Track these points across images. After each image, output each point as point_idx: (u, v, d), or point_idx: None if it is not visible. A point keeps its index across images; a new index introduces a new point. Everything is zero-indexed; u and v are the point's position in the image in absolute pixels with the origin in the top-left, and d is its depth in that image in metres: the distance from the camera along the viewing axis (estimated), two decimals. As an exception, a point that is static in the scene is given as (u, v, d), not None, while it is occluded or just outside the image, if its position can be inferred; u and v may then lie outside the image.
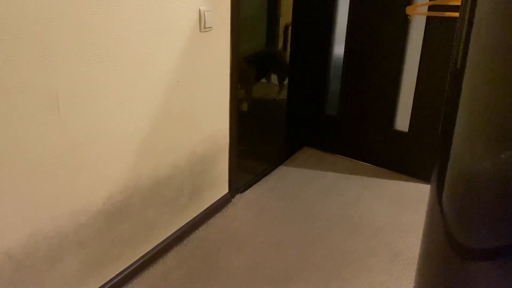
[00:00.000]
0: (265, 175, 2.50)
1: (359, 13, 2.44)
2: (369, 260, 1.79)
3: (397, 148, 2.53)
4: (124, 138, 1.47)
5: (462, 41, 0.72)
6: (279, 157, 2.71)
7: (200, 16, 1.67)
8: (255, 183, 2.39)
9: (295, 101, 2.91)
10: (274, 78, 3.83)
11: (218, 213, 2.09)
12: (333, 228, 2.01)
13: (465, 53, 0.71)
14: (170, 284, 1.63)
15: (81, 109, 1.29)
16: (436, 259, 0.82)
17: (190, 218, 1.93)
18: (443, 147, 0.79)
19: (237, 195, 2.26)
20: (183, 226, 1.88)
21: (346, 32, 2.52)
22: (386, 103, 2.49)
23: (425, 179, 2.48)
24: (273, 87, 3.88)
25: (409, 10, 2.25)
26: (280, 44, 4.24)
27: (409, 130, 2.46)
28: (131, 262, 1.64)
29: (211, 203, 2.06)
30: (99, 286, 1.52)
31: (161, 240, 1.77)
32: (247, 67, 3.34)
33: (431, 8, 2.19)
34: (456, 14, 2.05)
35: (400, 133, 2.50)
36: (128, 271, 1.61)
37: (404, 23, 2.31)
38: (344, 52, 2.56)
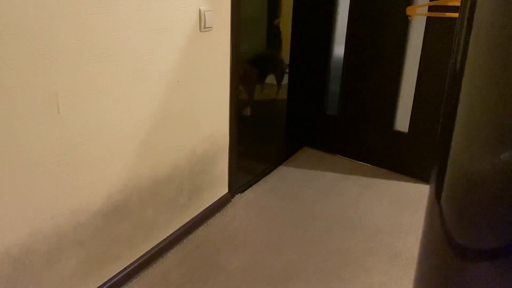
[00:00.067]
0: (265, 175, 2.50)
1: (359, 14, 2.44)
2: (369, 260, 1.79)
3: (397, 149, 2.53)
4: (123, 138, 1.47)
5: (462, 42, 0.72)
6: (279, 157, 2.71)
7: (200, 16, 1.67)
8: (255, 183, 2.39)
9: (295, 101, 2.91)
10: (272, 78, 3.84)
11: (218, 213, 2.09)
12: (333, 228, 2.01)
13: (465, 54, 0.71)
14: (170, 283, 1.63)
15: (81, 108, 1.29)
16: (435, 259, 0.82)
17: (190, 218, 1.93)
18: (442, 148, 0.79)
19: (237, 195, 2.26)
20: (183, 226, 1.88)
21: (346, 32, 2.52)
22: (386, 104, 2.49)
23: (425, 179, 2.48)
24: (272, 88, 3.88)
25: (409, 10, 2.25)
26: (278, 44, 4.25)
27: (409, 130, 2.46)
28: (131, 261, 1.64)
29: (211, 203, 2.06)
30: (99, 285, 1.52)
31: (160, 240, 1.77)
32: (248, 69, 3.35)
33: (431, 8, 2.19)
34: (456, 15, 2.05)
35: (400, 133, 2.50)
36: (127, 270, 1.61)
37: (404, 23, 2.31)
38: (344, 52, 2.56)
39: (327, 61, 2.68)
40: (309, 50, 2.73)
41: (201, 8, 1.66)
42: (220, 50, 1.84)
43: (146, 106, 1.52)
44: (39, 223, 1.25)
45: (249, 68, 3.40)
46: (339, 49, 2.64)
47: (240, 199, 2.22)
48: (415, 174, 2.50)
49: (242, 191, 2.30)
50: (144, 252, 1.69)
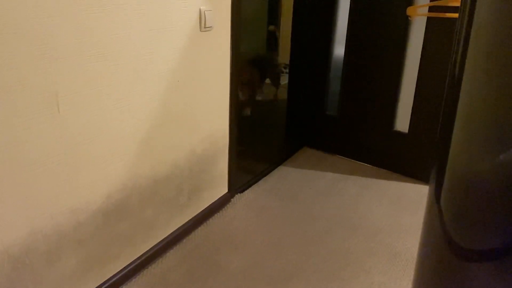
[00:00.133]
0: (265, 175, 2.50)
1: (359, 14, 2.44)
2: (368, 261, 1.79)
3: (397, 149, 2.53)
4: (123, 137, 1.47)
5: (462, 42, 0.72)
6: (279, 157, 2.71)
7: (201, 16, 1.67)
8: (254, 183, 2.39)
9: (295, 101, 2.91)
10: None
11: (218, 213, 2.09)
12: (333, 228, 2.01)
13: (464, 54, 0.71)
14: (169, 283, 1.63)
15: (81, 108, 1.29)
16: (434, 260, 0.82)
17: (190, 218, 1.93)
18: (441, 148, 0.79)
19: (236, 195, 2.26)
20: (182, 225, 1.88)
21: (347, 32, 2.52)
22: (386, 104, 2.49)
23: (424, 180, 2.48)
24: (272, 88, 3.88)
25: (409, 11, 2.25)
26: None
27: (409, 131, 2.46)
28: (130, 261, 1.64)
29: (211, 203, 2.06)
30: (98, 284, 1.52)
31: (160, 239, 1.77)
32: (248, 69, 3.35)
33: (431, 9, 2.19)
34: (457, 15, 2.05)
35: (400, 134, 2.50)
36: (127, 270, 1.61)
37: (405, 24, 2.31)
38: (345, 52, 2.56)
39: (327, 61, 2.68)
40: (310, 50, 2.73)
41: (201, 8, 1.66)
42: (220, 50, 1.84)
43: (146, 106, 1.52)
44: (39, 223, 1.25)
45: (249, 68, 3.40)
46: (339, 49, 2.64)
47: (240, 199, 2.22)
48: (415, 174, 2.50)
49: (242, 191, 2.30)
50: (143, 252, 1.69)
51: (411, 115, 2.43)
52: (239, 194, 2.27)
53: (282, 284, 1.65)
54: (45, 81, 1.16)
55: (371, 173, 2.56)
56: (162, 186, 1.71)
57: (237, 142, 2.15)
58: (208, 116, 1.87)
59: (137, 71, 1.45)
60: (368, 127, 2.60)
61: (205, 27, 1.70)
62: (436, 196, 0.81)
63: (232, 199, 2.21)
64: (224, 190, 2.15)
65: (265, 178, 2.47)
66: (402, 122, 2.49)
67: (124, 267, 1.61)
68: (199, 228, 1.97)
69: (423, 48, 2.27)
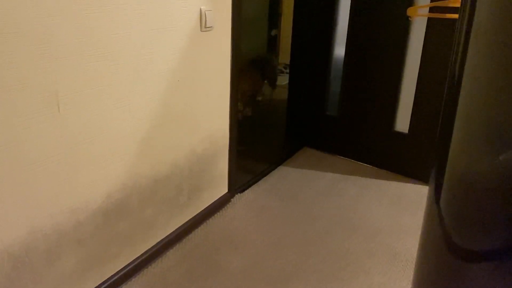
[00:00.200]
0: (265, 175, 2.50)
1: (360, 14, 2.44)
2: (368, 261, 1.79)
3: (397, 150, 2.53)
4: (123, 137, 1.47)
5: (461, 43, 0.72)
6: (279, 157, 2.71)
7: (201, 16, 1.67)
8: (254, 183, 2.39)
9: (295, 101, 2.91)
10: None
11: (217, 213, 2.09)
12: (332, 228, 2.01)
13: (464, 55, 0.71)
14: (169, 283, 1.63)
15: (81, 107, 1.29)
16: (433, 260, 0.82)
17: (189, 218, 1.93)
18: (441, 149, 0.79)
19: (236, 195, 2.26)
20: (182, 225, 1.88)
21: (347, 33, 2.52)
22: (386, 104, 2.49)
23: (424, 180, 2.48)
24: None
25: (410, 11, 2.25)
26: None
27: (409, 131, 2.46)
28: (130, 260, 1.64)
29: (211, 203, 2.06)
30: (98, 284, 1.52)
31: (160, 239, 1.77)
32: (250, 71, 3.35)
33: (432, 9, 2.19)
34: (457, 16, 2.05)
35: (400, 134, 2.50)
36: (126, 269, 1.61)
37: (405, 24, 2.31)
38: (345, 53, 2.56)
39: (327, 62, 2.68)
40: (310, 50, 2.73)
41: (202, 7, 1.66)
42: (220, 50, 1.84)
43: (146, 106, 1.53)
44: (39, 222, 1.26)
45: (249, 68, 3.40)
46: (339, 50, 2.64)
47: (240, 199, 2.22)
48: (415, 175, 2.50)
49: (242, 191, 2.30)
50: (143, 251, 1.70)
51: (411, 116, 2.42)
52: (239, 194, 2.27)
53: (282, 284, 1.65)
54: (45, 81, 1.17)
55: (371, 174, 2.56)
56: (162, 186, 1.71)
57: (237, 142, 2.15)
58: (208, 116, 1.87)
59: (137, 71, 1.45)
60: (368, 128, 2.60)
61: (205, 27, 1.70)
62: (435, 197, 0.81)
63: (232, 199, 2.21)
64: (224, 190, 2.15)
65: (265, 178, 2.47)
66: (402, 122, 2.49)
67: (124, 267, 1.61)
68: (199, 228, 1.97)
69: (423, 48, 2.27)
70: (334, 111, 2.76)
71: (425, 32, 2.24)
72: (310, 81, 2.79)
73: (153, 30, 1.47)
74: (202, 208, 2.00)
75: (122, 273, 1.59)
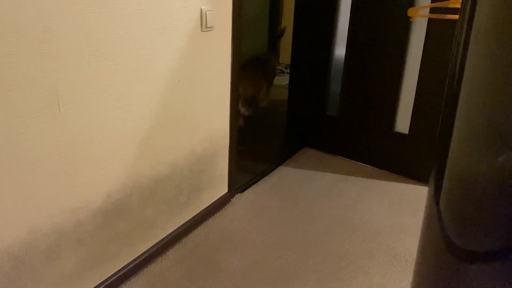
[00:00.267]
0: (265, 175, 2.50)
1: (360, 15, 2.44)
2: (368, 262, 1.79)
3: (397, 150, 2.53)
4: (123, 137, 1.47)
5: (462, 44, 0.72)
6: (279, 158, 2.71)
7: (202, 16, 1.67)
8: (254, 183, 2.39)
9: (295, 101, 2.91)
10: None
11: (217, 213, 2.09)
12: (332, 229, 2.01)
13: (464, 56, 0.71)
14: (169, 283, 1.63)
15: (81, 107, 1.29)
16: (433, 261, 0.82)
17: (189, 218, 1.93)
18: (441, 149, 0.79)
19: (236, 195, 2.26)
20: (182, 225, 1.88)
21: (348, 33, 2.52)
22: (386, 105, 2.49)
23: (424, 181, 2.48)
24: (273, 88, 3.88)
25: (410, 12, 2.25)
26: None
27: (409, 132, 2.46)
28: (130, 260, 1.64)
29: (210, 203, 2.06)
30: (97, 283, 1.52)
31: (159, 239, 1.77)
32: (250, 71, 3.35)
33: (432, 10, 2.19)
34: (457, 17, 2.05)
35: (400, 135, 2.50)
36: (126, 269, 1.61)
37: (406, 25, 2.31)
38: (345, 53, 2.56)
39: (328, 62, 2.68)
40: (310, 51, 2.73)
41: (202, 7, 1.66)
42: (221, 50, 1.84)
43: (146, 105, 1.53)
44: (39, 221, 1.26)
45: (248, 68, 3.40)
46: (340, 50, 2.64)
47: (240, 199, 2.22)
48: (415, 175, 2.50)
49: (242, 191, 2.30)
50: (143, 251, 1.70)
51: (412, 116, 2.42)
52: (239, 194, 2.27)
53: (282, 284, 1.65)
54: (45, 80, 1.17)
55: (371, 174, 2.56)
56: (162, 186, 1.71)
57: (237, 142, 2.15)
58: (208, 116, 1.87)
59: (137, 71, 1.45)
60: (369, 128, 2.60)
61: (206, 27, 1.70)
62: (435, 197, 0.81)
63: (232, 199, 2.21)
64: (224, 190, 2.15)
65: (265, 178, 2.47)
66: (403, 123, 2.49)
67: (124, 266, 1.61)
68: (199, 228, 1.97)
69: (423, 49, 2.27)
70: (334, 111, 2.76)
71: (426, 33, 2.24)
72: (310, 81, 2.79)
73: (153, 30, 1.47)
74: (202, 208, 2.00)
75: (122, 272, 1.59)
